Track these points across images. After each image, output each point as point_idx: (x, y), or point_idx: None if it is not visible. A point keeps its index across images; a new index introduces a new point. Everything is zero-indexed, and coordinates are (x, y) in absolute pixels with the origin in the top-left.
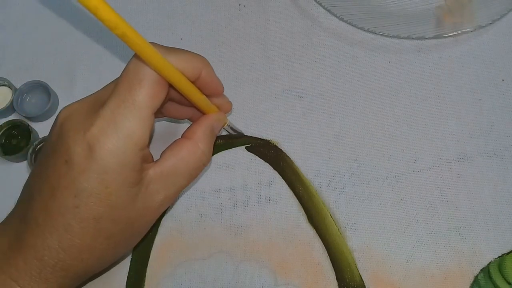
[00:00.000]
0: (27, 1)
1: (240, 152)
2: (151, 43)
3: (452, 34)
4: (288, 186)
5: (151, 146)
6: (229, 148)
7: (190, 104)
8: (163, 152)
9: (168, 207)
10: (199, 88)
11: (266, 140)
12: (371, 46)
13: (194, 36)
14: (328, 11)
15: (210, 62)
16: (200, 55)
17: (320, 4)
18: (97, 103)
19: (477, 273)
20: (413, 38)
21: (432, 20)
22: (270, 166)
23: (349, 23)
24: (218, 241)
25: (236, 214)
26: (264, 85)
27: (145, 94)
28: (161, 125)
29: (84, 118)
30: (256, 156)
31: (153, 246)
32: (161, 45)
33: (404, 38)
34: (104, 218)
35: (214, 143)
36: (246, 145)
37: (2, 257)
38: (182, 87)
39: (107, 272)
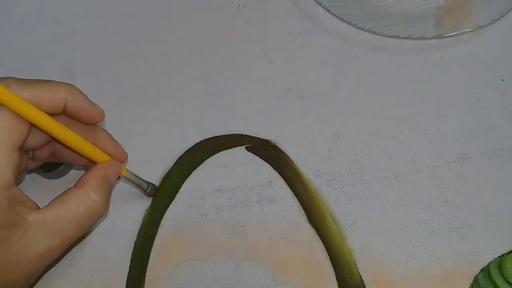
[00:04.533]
0: (28, 1)
1: (240, 152)
2: (9, 78)
3: (452, 34)
4: (288, 186)
5: None
6: (229, 148)
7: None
8: (51, 201)
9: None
10: (73, 118)
11: (266, 140)
12: (371, 46)
13: (194, 36)
14: (328, 11)
15: (210, 62)
16: (65, 83)
17: (320, 4)
18: None
19: (477, 273)
20: (413, 38)
21: (432, 20)
22: (270, 166)
23: (349, 23)
24: (218, 241)
25: (236, 214)
26: (264, 85)
27: (1, 129)
28: None
29: None
30: (256, 156)
31: (153, 246)
32: (21, 79)
33: (404, 38)
34: None
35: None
36: (246, 145)
37: None
38: (44, 124)
39: (107, 272)
